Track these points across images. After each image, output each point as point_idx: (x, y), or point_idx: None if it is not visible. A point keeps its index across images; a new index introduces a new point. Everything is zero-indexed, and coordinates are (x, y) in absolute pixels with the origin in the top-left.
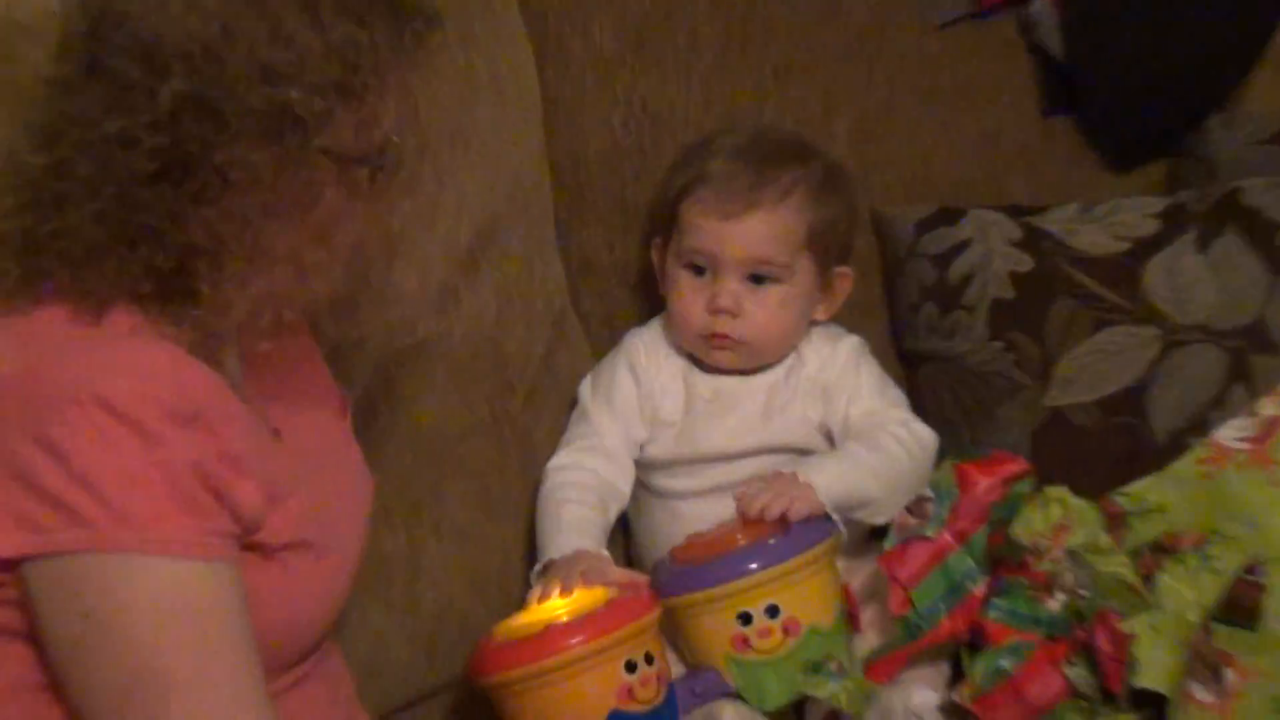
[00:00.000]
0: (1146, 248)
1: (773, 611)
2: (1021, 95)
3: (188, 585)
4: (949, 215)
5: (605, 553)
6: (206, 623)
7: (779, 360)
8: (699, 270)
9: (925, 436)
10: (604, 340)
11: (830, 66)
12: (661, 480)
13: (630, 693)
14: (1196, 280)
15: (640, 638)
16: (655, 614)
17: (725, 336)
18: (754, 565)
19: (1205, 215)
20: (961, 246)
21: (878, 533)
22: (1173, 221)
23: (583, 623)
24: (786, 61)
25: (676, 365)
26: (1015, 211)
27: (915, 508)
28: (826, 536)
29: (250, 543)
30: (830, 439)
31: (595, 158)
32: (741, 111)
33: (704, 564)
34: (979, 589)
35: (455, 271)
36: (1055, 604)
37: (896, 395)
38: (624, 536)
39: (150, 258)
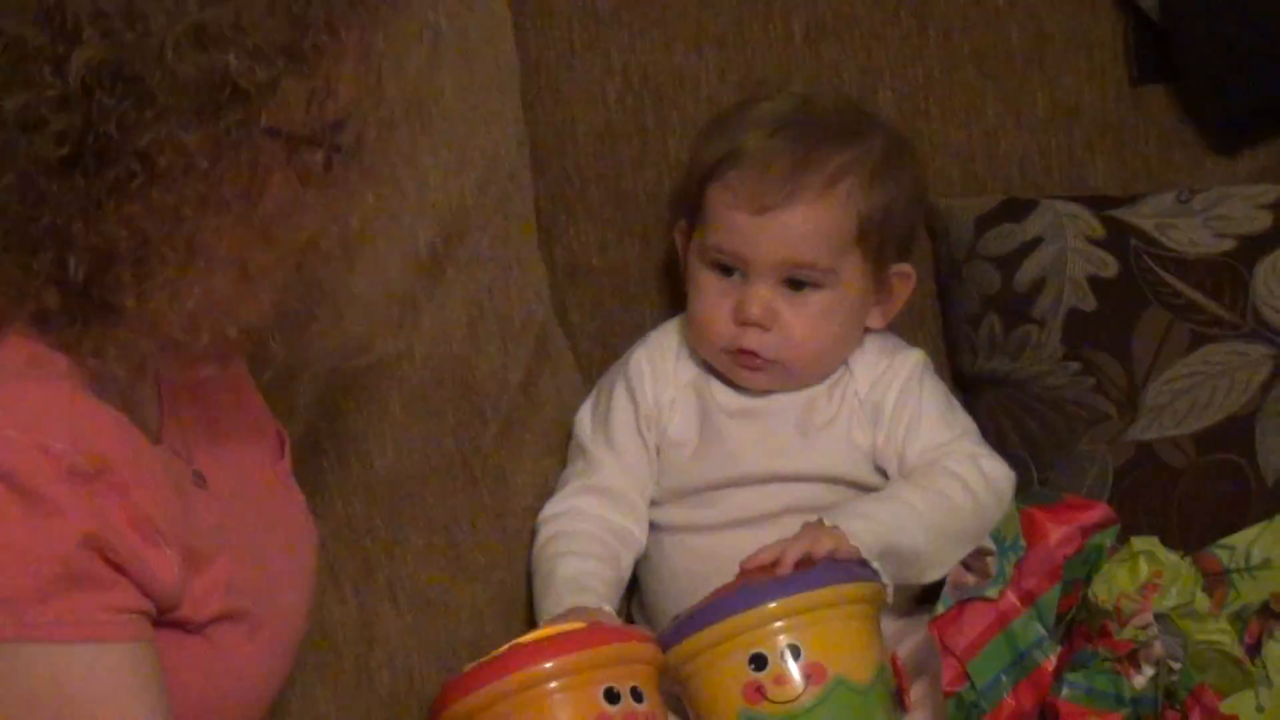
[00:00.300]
0: (1257, 247)
1: (793, 653)
2: (1106, 60)
3: (86, 673)
4: (1016, 208)
5: (609, 608)
6: (110, 714)
7: (822, 379)
8: (727, 270)
9: (999, 477)
10: (595, 360)
11: (871, 26)
12: (673, 513)
13: None
14: None
15: (625, 667)
16: (646, 646)
17: (754, 354)
18: (769, 595)
19: None
20: (1031, 245)
21: (930, 591)
22: None
23: (553, 640)
24: (818, 20)
25: (689, 373)
26: (1097, 203)
27: (974, 562)
28: (862, 579)
29: (169, 619)
30: (883, 473)
31: (585, 139)
32: (764, 82)
33: (711, 602)
34: (1050, 661)
35: (415, 278)
36: (1142, 679)
37: (965, 423)
38: (628, 590)
39: (56, 266)
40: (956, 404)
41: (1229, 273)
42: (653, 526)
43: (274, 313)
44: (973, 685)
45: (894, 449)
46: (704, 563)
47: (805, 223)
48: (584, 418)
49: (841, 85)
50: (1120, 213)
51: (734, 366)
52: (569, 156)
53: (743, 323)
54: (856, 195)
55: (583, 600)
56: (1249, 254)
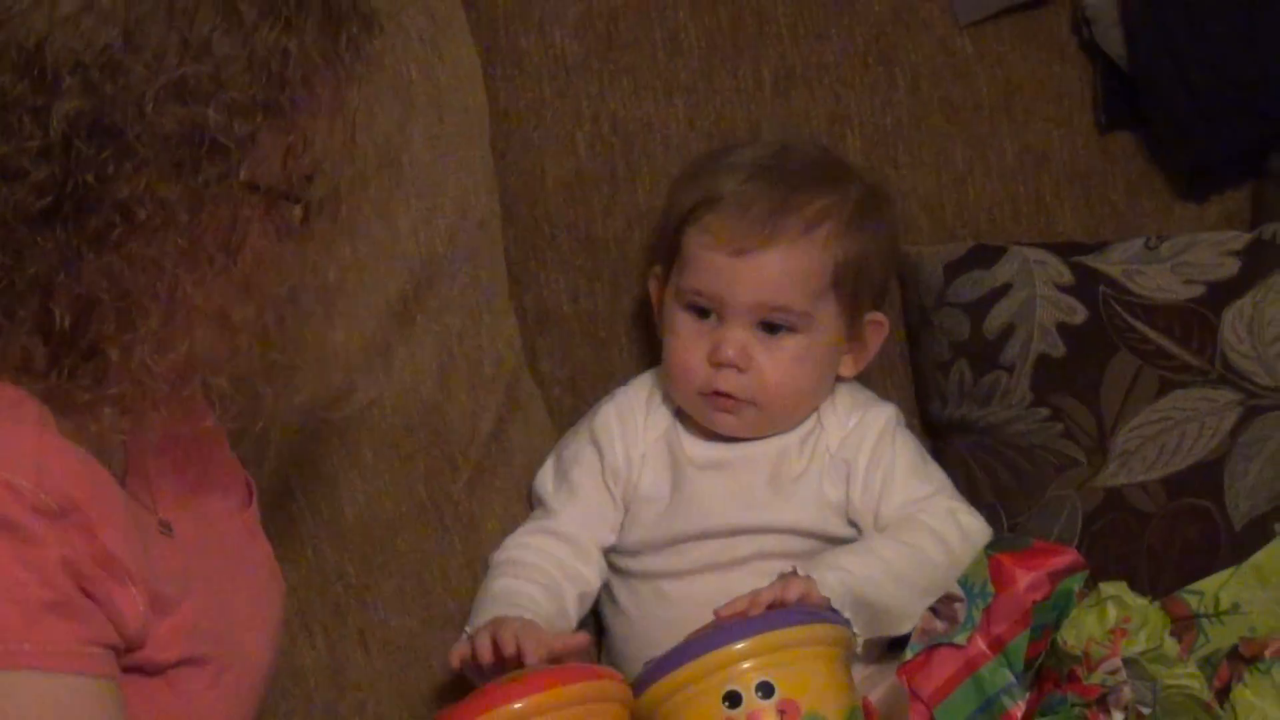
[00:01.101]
0: (1225, 293)
1: (766, 690)
2: (1074, 107)
3: (65, 703)
4: (985, 254)
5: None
6: None
7: (793, 426)
8: (702, 312)
9: (976, 531)
10: (566, 407)
11: (840, 74)
12: (644, 561)
13: None
14: None
15: (597, 705)
16: (617, 684)
17: (729, 396)
18: (741, 633)
19: None
20: (1000, 292)
21: (900, 638)
22: (1257, 260)
23: (524, 679)
24: (787, 68)
25: (659, 427)
26: (1065, 249)
27: (942, 609)
28: (831, 622)
29: (132, 661)
30: (855, 525)
31: (555, 187)
32: (733, 129)
33: (684, 643)
34: (1019, 707)
35: (386, 326)
36: None
37: (940, 478)
38: (597, 645)
39: (41, 316)
40: (929, 458)
41: (1197, 319)
42: (625, 573)
43: (259, 366)
44: None
45: (869, 506)
46: (676, 608)
47: (783, 265)
48: (545, 476)
49: (811, 133)
50: (1089, 259)
51: (707, 410)
52: (539, 205)
53: (718, 364)
54: (834, 241)
55: (507, 614)
56: (1217, 300)
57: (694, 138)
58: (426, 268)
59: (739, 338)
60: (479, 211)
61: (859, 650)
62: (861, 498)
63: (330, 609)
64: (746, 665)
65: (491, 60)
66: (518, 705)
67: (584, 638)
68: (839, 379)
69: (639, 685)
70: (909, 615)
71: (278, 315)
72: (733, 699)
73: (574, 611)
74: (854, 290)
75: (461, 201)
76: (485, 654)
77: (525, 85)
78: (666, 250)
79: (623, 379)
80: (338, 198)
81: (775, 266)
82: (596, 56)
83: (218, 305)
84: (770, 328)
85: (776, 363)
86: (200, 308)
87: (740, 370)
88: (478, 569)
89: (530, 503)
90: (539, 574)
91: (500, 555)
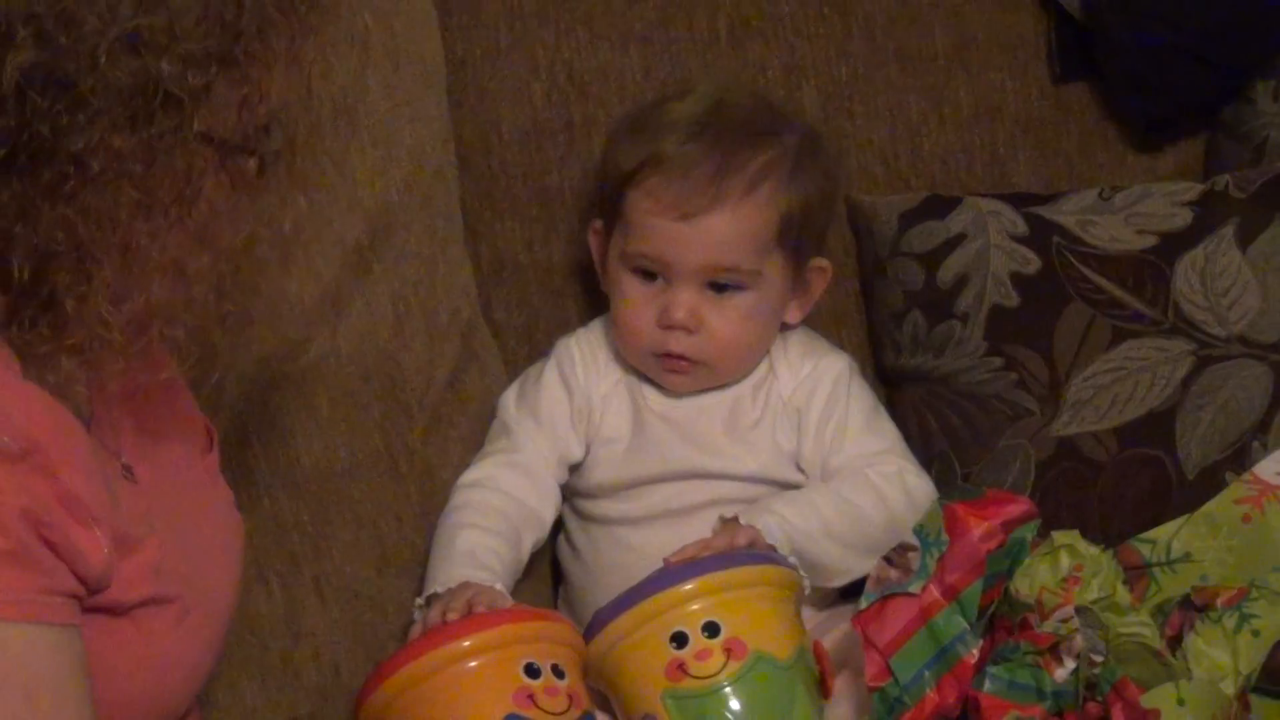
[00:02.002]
0: (1177, 243)
1: (712, 630)
2: (1028, 58)
3: (19, 653)
4: (939, 205)
5: (501, 587)
6: (40, 697)
7: (744, 377)
8: (649, 275)
9: (921, 494)
10: (522, 357)
11: (796, 24)
12: (604, 506)
13: (531, 699)
14: (1237, 282)
15: (546, 644)
16: (565, 627)
17: (680, 358)
18: (686, 575)
19: (1248, 203)
20: (954, 243)
21: (854, 586)
22: (1210, 211)
23: (474, 618)
24: (743, 17)
25: (620, 370)
26: (1019, 200)
27: (897, 558)
28: (777, 563)
29: (97, 602)
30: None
31: (511, 136)
32: (689, 79)
33: (631, 589)
34: (972, 655)
35: (341, 275)
36: (1063, 672)
37: (893, 434)
38: (554, 585)
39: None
40: (884, 413)
41: (1150, 269)
42: (584, 518)
43: (215, 316)
44: (896, 680)
45: (818, 456)
46: (631, 554)
47: (730, 227)
48: (509, 400)
49: (766, 84)
50: (1043, 210)
51: (659, 370)
52: (495, 154)
53: (668, 326)
54: (778, 196)
55: (477, 577)
56: (1170, 250)
57: (650, 87)
58: (382, 217)
59: (688, 299)
60: (434, 161)
61: (806, 590)
62: (812, 448)
63: (286, 557)
64: (694, 606)
65: (447, 9)
66: (466, 642)
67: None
68: (785, 326)
69: (589, 632)
70: (842, 572)
71: (233, 266)
72: (680, 639)
73: (527, 554)
74: (798, 240)
75: (417, 151)
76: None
77: (481, 34)
78: (607, 207)
79: (576, 326)
80: (293, 150)
81: (722, 229)
82: (553, 5)
83: (173, 256)
84: (719, 287)
85: (727, 321)
86: (156, 259)
87: (690, 332)
88: (433, 517)
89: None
90: (502, 522)
91: (466, 491)
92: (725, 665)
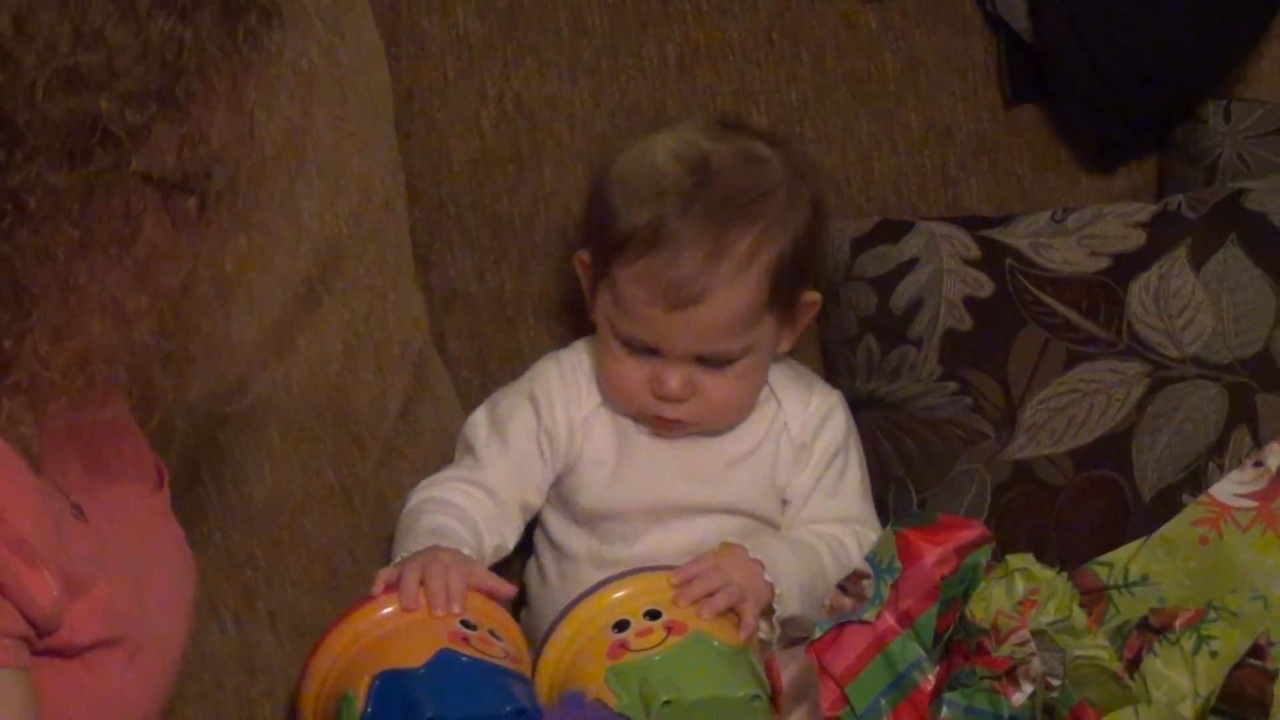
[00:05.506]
0: (1131, 264)
1: (653, 615)
2: (979, 81)
3: None
4: (891, 229)
5: (468, 552)
6: None
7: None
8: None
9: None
10: (475, 387)
11: (745, 50)
12: (585, 539)
13: (466, 640)
14: (1191, 303)
15: (488, 606)
16: (508, 590)
17: (676, 421)
18: (629, 573)
19: (1201, 224)
20: (907, 267)
21: None
22: (1162, 232)
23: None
24: (692, 45)
25: (602, 396)
26: (972, 223)
27: (850, 586)
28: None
29: (48, 644)
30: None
31: (460, 166)
32: (638, 107)
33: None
34: (928, 681)
35: (290, 309)
36: (1020, 696)
37: (870, 502)
38: (515, 610)
39: None
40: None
41: (1104, 291)
42: (557, 549)
43: (156, 355)
44: (852, 709)
45: (803, 491)
46: None
47: (720, 313)
48: (478, 421)
49: (716, 110)
50: (995, 233)
51: (651, 426)
52: (444, 185)
53: (660, 397)
54: (770, 261)
55: (442, 544)
56: (1123, 272)
57: (599, 116)
58: (331, 249)
59: (680, 373)
60: (383, 192)
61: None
62: (810, 486)
63: (239, 592)
64: (634, 597)
65: (394, 40)
66: (387, 610)
67: (512, 588)
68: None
69: (539, 648)
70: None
71: (173, 305)
72: (621, 626)
73: (490, 559)
74: (790, 292)
75: (365, 182)
76: (411, 593)
77: (428, 65)
78: (596, 252)
79: (531, 358)
80: (235, 190)
81: (713, 317)
82: (500, 35)
83: (113, 295)
84: (712, 362)
85: (721, 385)
86: (95, 298)
87: (683, 400)
88: (387, 549)
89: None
90: (464, 516)
91: (421, 494)
92: (666, 639)
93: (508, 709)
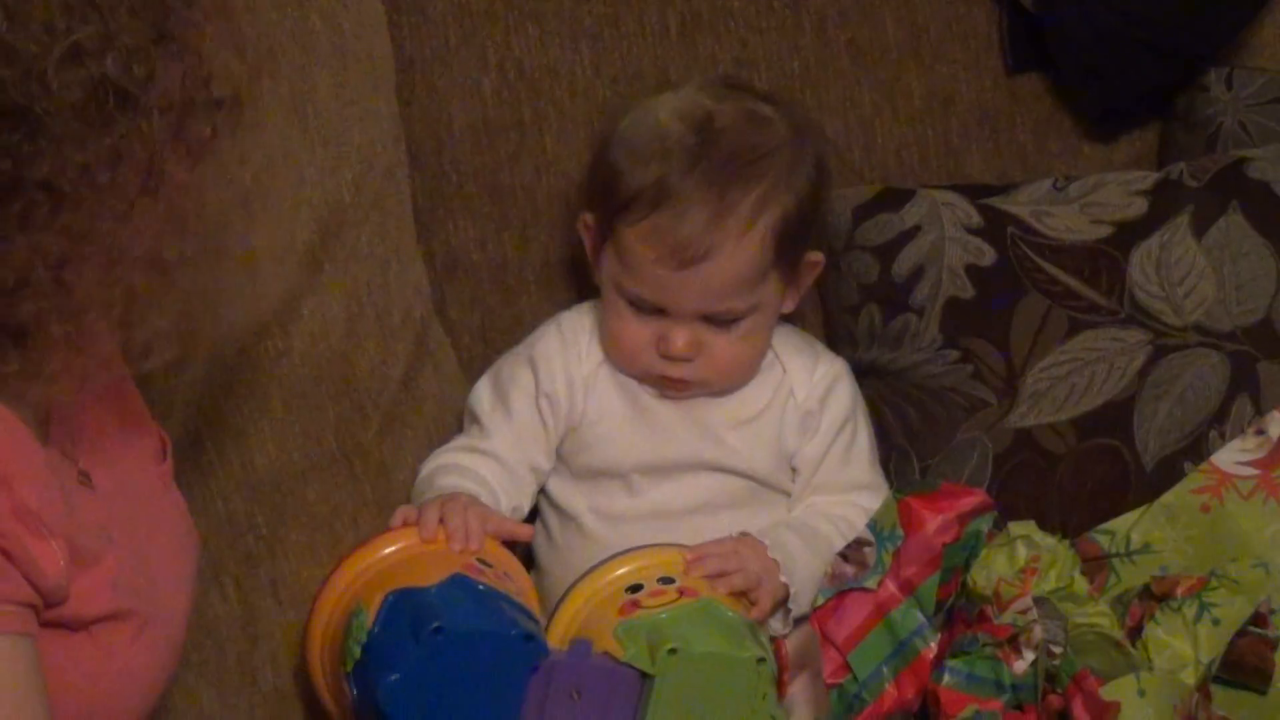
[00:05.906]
0: (1133, 233)
1: (666, 581)
2: (981, 49)
3: None
4: (893, 197)
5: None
6: (3, 708)
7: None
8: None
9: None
10: (476, 355)
11: (747, 18)
12: (592, 497)
13: (479, 572)
14: (1192, 271)
15: (500, 551)
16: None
17: (682, 381)
18: (647, 545)
19: (1203, 192)
20: (908, 235)
21: None
22: (1164, 200)
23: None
24: (694, 12)
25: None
26: (973, 191)
27: (852, 554)
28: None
29: (56, 616)
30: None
31: (462, 134)
32: (639, 75)
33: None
34: (930, 649)
35: (293, 276)
36: (1022, 664)
37: (879, 471)
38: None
39: None
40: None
41: (1105, 259)
42: (561, 511)
43: (194, 293)
44: (854, 676)
45: (813, 460)
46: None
47: (726, 271)
48: (481, 392)
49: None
50: (997, 201)
51: (656, 386)
52: (445, 152)
53: (667, 356)
54: (774, 219)
55: (465, 488)
56: (1125, 240)
57: (600, 84)
58: (333, 217)
59: (687, 333)
60: (385, 160)
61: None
62: (819, 455)
63: (241, 560)
64: (651, 566)
65: (396, 8)
66: (404, 543)
67: (530, 529)
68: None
69: (556, 605)
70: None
71: (205, 245)
72: (634, 588)
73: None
74: (793, 251)
75: (367, 150)
76: (430, 526)
77: (430, 32)
78: (599, 213)
79: (532, 325)
80: (238, 101)
81: (719, 275)
82: (502, 3)
83: (149, 248)
84: (718, 320)
85: (727, 344)
86: (133, 256)
87: (690, 360)
88: (389, 517)
89: (457, 426)
90: (479, 478)
91: (433, 463)
92: (678, 600)
93: (514, 632)
